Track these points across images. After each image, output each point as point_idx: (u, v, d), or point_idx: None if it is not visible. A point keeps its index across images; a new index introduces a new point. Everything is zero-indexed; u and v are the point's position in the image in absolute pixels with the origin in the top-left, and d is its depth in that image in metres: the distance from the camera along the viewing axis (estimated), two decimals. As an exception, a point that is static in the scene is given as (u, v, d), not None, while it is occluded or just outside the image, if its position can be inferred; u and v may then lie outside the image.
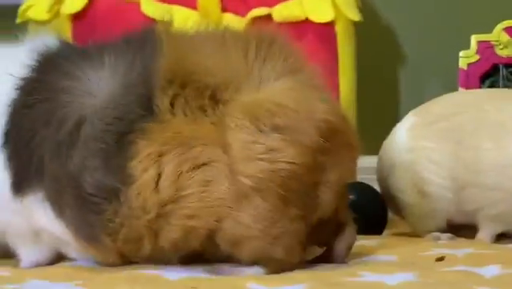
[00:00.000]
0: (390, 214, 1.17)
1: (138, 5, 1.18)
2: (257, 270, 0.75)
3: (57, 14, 1.17)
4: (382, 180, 1.03)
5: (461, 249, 0.93)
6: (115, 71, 0.78)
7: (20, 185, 0.78)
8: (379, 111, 1.44)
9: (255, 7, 1.20)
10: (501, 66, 1.17)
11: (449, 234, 0.97)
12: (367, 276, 0.73)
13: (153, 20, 1.13)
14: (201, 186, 0.73)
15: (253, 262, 0.76)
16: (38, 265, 0.82)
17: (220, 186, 0.73)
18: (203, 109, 0.76)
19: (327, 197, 0.77)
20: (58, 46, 0.83)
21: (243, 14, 1.19)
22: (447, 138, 0.94)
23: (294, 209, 0.74)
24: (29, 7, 1.19)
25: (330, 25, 1.20)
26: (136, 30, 0.84)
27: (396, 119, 1.44)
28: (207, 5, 1.19)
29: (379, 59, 1.43)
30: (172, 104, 0.75)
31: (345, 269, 0.78)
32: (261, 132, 0.73)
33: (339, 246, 0.80)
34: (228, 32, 0.85)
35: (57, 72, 0.80)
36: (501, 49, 1.17)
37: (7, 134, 0.79)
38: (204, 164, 0.74)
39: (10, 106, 0.80)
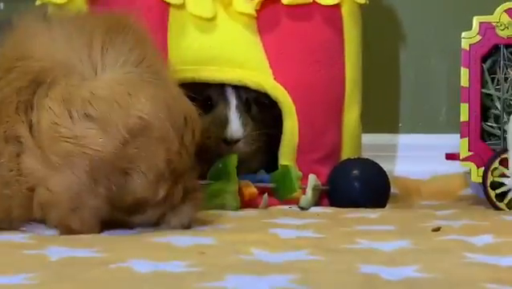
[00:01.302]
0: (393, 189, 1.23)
1: (152, -13, 1.27)
2: None
3: (74, -2, 1.28)
4: None
5: (458, 220, 0.95)
6: None
7: None
8: (383, 90, 1.45)
9: (264, -11, 1.30)
10: (502, 46, 1.19)
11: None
12: (365, 244, 0.76)
13: (167, 4, 1.14)
14: (12, 157, 0.79)
15: (54, 226, 0.82)
16: None
17: (30, 159, 0.79)
18: (19, 91, 0.80)
19: (137, 184, 0.81)
20: None
21: (252, -4, 1.29)
22: None
23: (101, 189, 0.79)
24: (46, -9, 1.30)
25: (336, 7, 1.21)
26: (10, 17, 0.90)
27: (399, 99, 1.44)
28: (219, -13, 1.30)
29: (382, 39, 1.44)
30: None
31: (344, 237, 0.81)
32: (71, 117, 0.78)
33: (173, 222, 0.85)
34: (81, 18, 0.90)
35: None
36: (502, 30, 1.18)
37: None
38: (13, 139, 0.79)
39: None
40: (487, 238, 0.79)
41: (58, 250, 0.72)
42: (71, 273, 0.61)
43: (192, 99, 0.92)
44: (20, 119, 0.83)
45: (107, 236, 0.83)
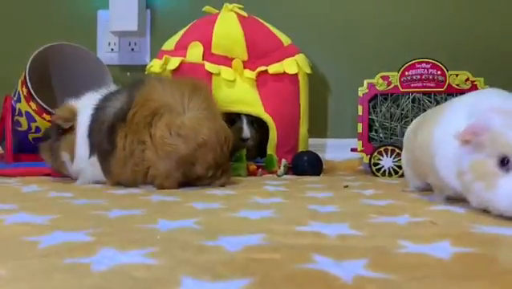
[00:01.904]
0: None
1: (203, 65, 1.39)
2: None
3: (165, 69, 1.38)
4: None
5: (357, 182, 1.11)
6: (119, 98, 1.00)
7: (91, 151, 0.98)
8: (319, 117, 1.68)
9: (259, 66, 1.41)
10: (378, 94, 1.39)
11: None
12: (310, 194, 0.88)
13: (211, 73, 1.37)
14: (140, 151, 0.93)
15: (157, 186, 0.93)
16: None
17: (149, 152, 0.93)
18: (146, 117, 0.94)
19: (199, 170, 0.95)
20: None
21: (254, 70, 1.41)
22: None
23: (181, 170, 0.93)
24: (151, 66, 1.40)
25: (296, 74, 1.45)
26: (143, 78, 1.03)
27: (327, 121, 1.71)
28: (237, 66, 1.40)
29: (317, 90, 1.63)
30: (134, 115, 0.95)
31: (299, 191, 0.93)
32: (170, 134, 0.92)
33: (216, 184, 0.98)
34: (178, 81, 1.04)
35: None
36: (379, 86, 1.42)
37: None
38: (141, 142, 0.94)
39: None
40: (371, 191, 0.90)
41: (157, 196, 0.81)
42: (163, 209, 0.68)
43: (225, 120, 1.01)
44: (146, 132, 0.94)
45: (182, 190, 0.93)
